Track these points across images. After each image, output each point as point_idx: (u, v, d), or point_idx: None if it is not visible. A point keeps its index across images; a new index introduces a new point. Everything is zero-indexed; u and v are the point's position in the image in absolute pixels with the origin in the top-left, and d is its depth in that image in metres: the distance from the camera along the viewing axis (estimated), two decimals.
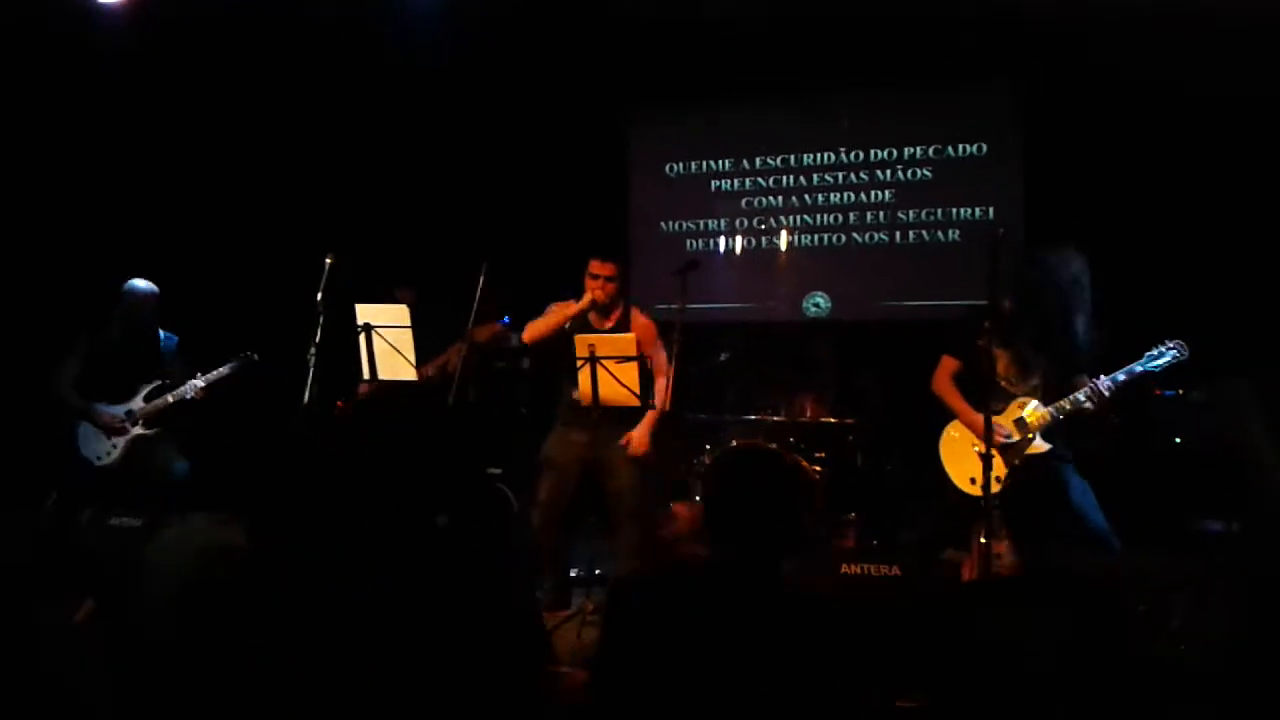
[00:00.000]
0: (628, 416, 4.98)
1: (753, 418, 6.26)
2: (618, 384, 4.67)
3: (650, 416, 5.02)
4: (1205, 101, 5.66)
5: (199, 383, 5.60)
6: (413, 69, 6.82)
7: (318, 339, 5.00)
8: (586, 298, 5.02)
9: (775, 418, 6.22)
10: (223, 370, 5.65)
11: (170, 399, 5.61)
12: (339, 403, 6.17)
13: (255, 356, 5.66)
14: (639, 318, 5.16)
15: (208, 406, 5.68)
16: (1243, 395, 4.58)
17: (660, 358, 5.10)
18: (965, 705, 2.70)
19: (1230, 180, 5.68)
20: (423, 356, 5.16)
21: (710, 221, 7.26)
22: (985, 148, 6.66)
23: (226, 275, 6.92)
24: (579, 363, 4.74)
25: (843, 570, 4.12)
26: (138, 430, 5.63)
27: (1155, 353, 4.31)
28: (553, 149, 7.09)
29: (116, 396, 5.66)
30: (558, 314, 5.04)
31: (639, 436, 5.02)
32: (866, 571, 4.08)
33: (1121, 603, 3.14)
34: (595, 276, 5.02)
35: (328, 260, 5.10)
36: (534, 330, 5.09)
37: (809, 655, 2.06)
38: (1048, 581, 3.55)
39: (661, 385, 5.04)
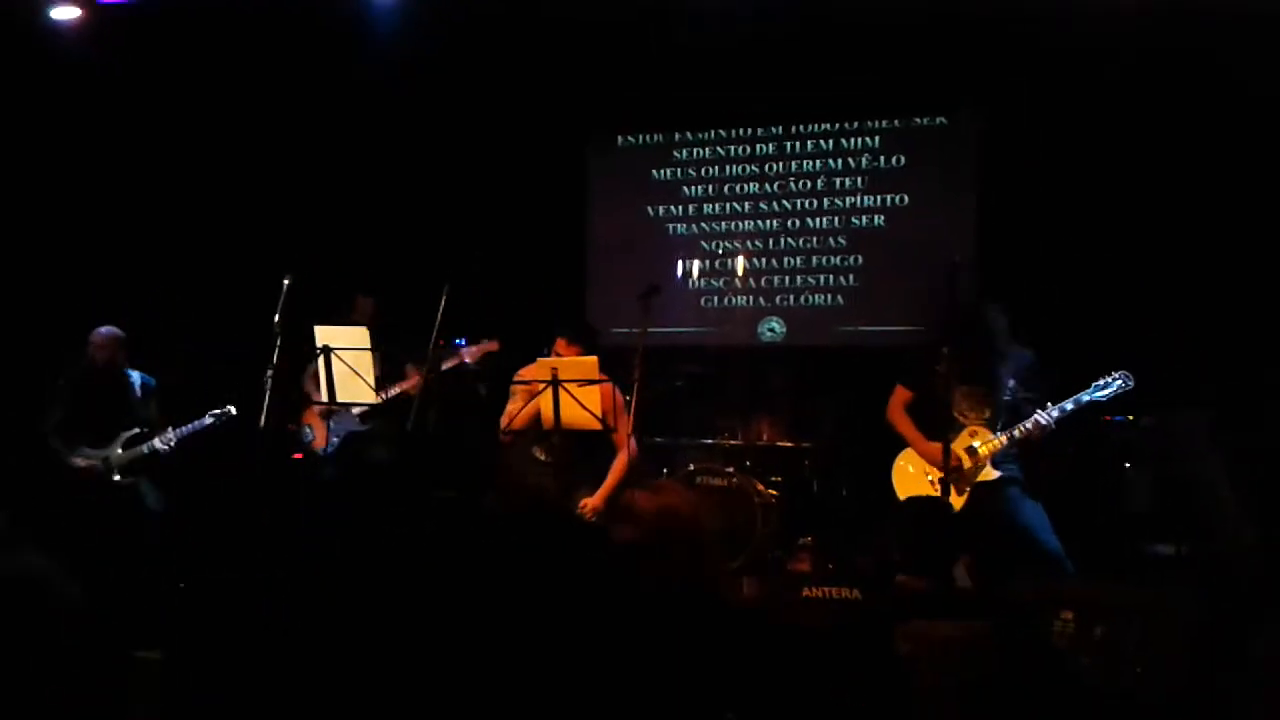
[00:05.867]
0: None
1: (709, 441, 6.30)
2: (580, 406, 4.65)
3: (609, 483, 4.86)
4: (1157, 132, 5.79)
5: (171, 437, 5.55)
6: (377, 97, 6.78)
7: (275, 361, 4.94)
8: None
9: (731, 441, 6.27)
10: (199, 424, 5.59)
11: (145, 450, 5.56)
12: (289, 425, 6.11)
13: (233, 411, 5.59)
14: (607, 390, 4.84)
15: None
16: (1197, 428, 4.71)
17: (623, 430, 4.88)
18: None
19: (1184, 211, 5.76)
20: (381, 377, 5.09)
21: (667, 247, 7.29)
22: (939, 177, 6.75)
23: (186, 296, 6.83)
24: (539, 386, 4.71)
25: (804, 594, 4.19)
26: (115, 478, 5.57)
27: (1102, 383, 4.43)
28: (512, 173, 7.08)
29: (96, 442, 5.60)
30: (532, 404, 4.81)
31: (595, 502, 4.84)
32: (828, 595, 4.18)
33: (1042, 624, 3.22)
34: (561, 357, 4.84)
35: (285, 281, 5.02)
36: (518, 421, 4.89)
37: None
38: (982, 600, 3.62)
39: (623, 459, 4.89)
